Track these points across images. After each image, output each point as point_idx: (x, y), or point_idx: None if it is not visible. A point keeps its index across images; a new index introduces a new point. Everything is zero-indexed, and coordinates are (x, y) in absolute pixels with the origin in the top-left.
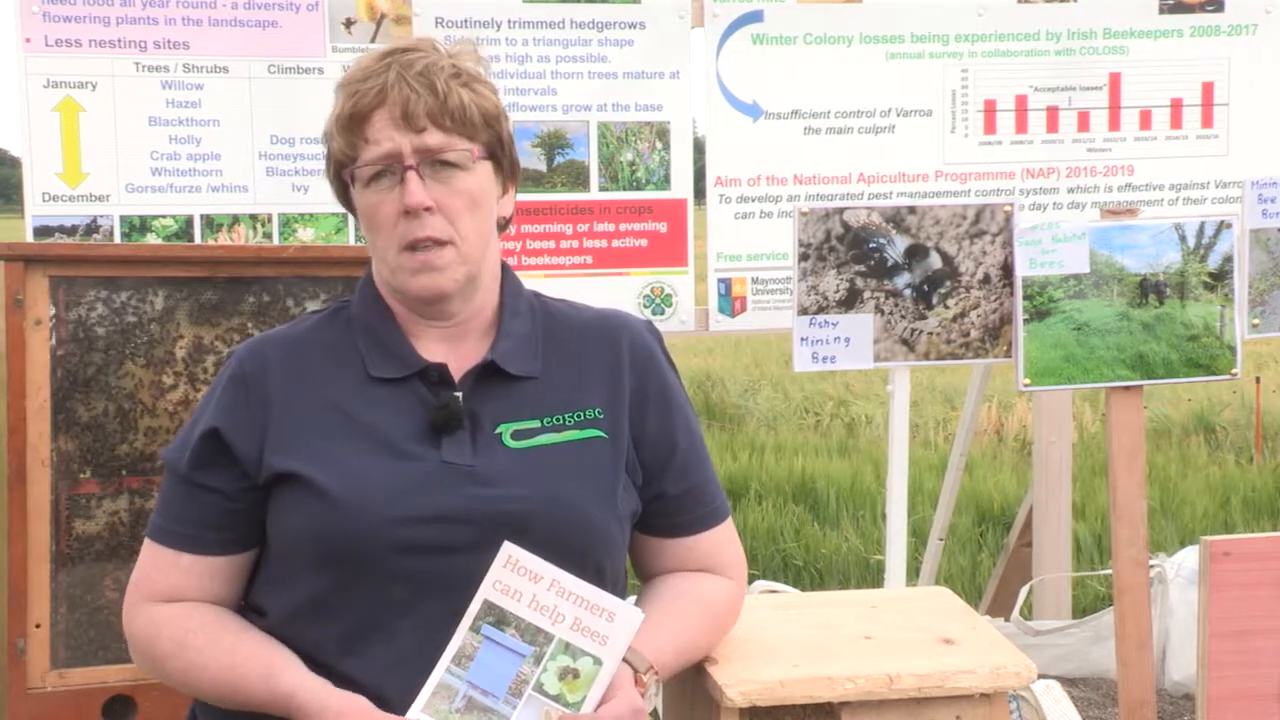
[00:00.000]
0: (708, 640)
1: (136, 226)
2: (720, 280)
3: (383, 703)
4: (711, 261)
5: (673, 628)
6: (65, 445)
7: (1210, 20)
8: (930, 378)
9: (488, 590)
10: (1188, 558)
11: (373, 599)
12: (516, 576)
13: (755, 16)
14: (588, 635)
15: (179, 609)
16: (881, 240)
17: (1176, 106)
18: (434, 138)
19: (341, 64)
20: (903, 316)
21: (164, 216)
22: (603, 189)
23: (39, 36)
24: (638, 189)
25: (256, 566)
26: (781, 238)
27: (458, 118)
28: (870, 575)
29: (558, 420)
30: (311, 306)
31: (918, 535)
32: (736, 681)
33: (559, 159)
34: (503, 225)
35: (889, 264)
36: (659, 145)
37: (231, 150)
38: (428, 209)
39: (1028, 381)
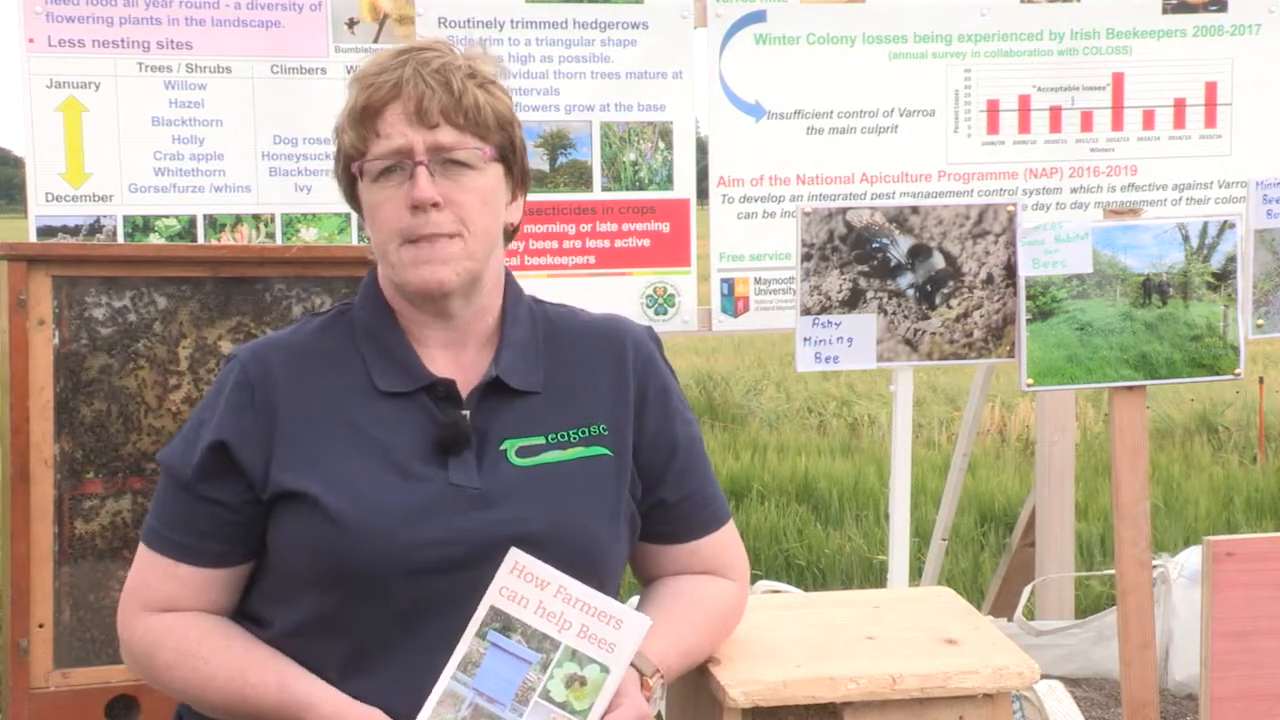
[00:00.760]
0: (711, 642)
1: (139, 226)
2: (723, 280)
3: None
4: (714, 261)
5: (677, 630)
6: (68, 445)
7: (1213, 20)
8: (933, 378)
9: (494, 596)
10: (1191, 558)
11: (377, 619)
12: (523, 583)
13: (758, 16)
14: (594, 643)
15: (180, 619)
16: (884, 240)
17: (1180, 106)
18: (446, 135)
19: (345, 64)
20: (906, 317)
21: (167, 216)
22: (605, 189)
23: (42, 36)
24: (640, 189)
25: (253, 575)
26: (784, 238)
27: (471, 116)
28: (873, 575)
29: (563, 437)
30: (318, 302)
31: (920, 535)
32: (739, 682)
33: (562, 159)
34: (510, 233)
35: (892, 264)
36: (662, 145)
37: (234, 150)
38: (435, 205)
39: (1030, 381)
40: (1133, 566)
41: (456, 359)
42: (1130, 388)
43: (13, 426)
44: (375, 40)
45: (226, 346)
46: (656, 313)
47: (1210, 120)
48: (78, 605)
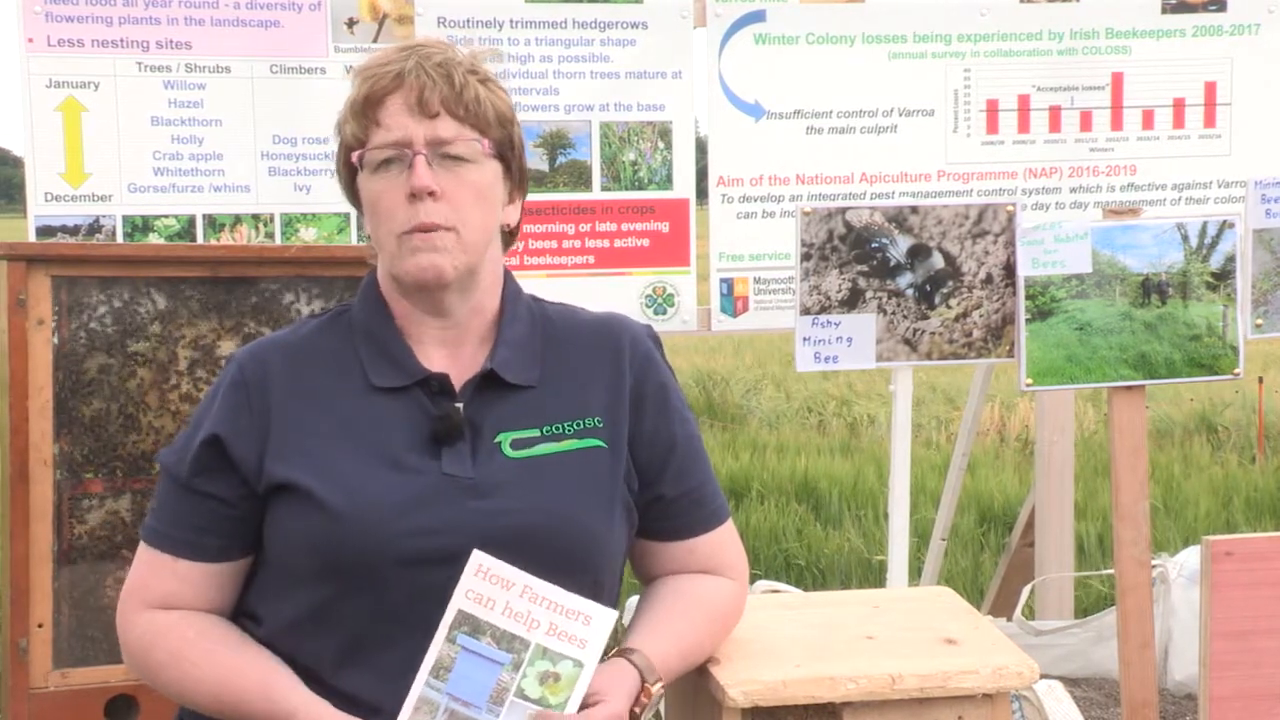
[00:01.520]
0: (711, 642)
1: (139, 226)
2: (722, 280)
3: (379, 714)
4: (714, 261)
5: (676, 631)
6: (67, 445)
7: (1213, 20)
8: (932, 377)
9: (460, 599)
10: (1190, 558)
11: (371, 611)
12: (488, 584)
13: (757, 16)
14: (565, 639)
15: (175, 618)
16: (884, 240)
17: (1179, 106)
18: (446, 127)
19: (344, 64)
20: (905, 316)
21: (166, 216)
22: (605, 189)
23: (41, 36)
24: (640, 189)
25: (251, 573)
26: (784, 237)
27: (471, 110)
28: (872, 575)
29: (557, 429)
30: (318, 305)
31: (920, 535)
32: (738, 682)
33: (561, 159)
34: (509, 235)
35: (891, 264)
36: (661, 145)
37: (234, 150)
38: (432, 195)
39: (1030, 381)
40: (1132, 566)
41: (453, 355)
42: (1129, 387)
43: (12, 426)
44: (375, 40)
45: (226, 346)
46: (656, 312)
47: (1209, 120)
48: (77, 605)
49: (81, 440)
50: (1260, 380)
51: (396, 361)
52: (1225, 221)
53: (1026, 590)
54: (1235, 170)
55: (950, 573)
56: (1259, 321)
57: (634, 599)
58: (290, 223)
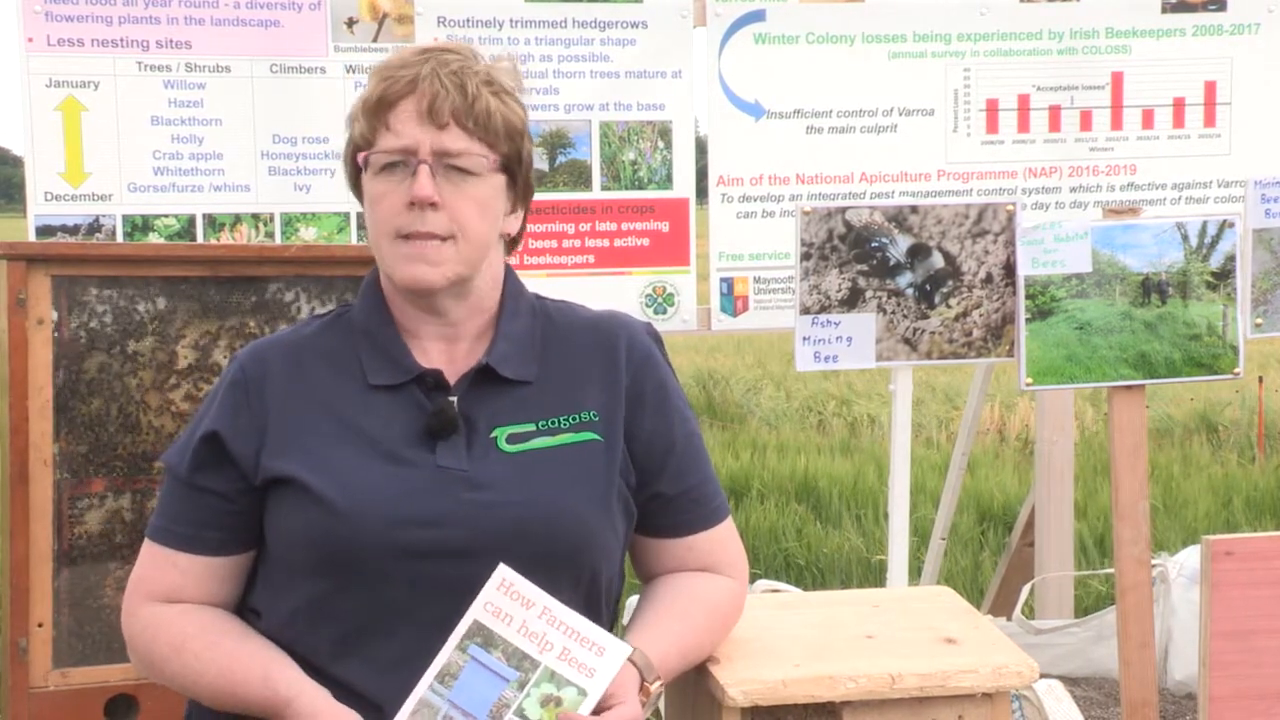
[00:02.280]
0: (711, 641)
1: (139, 226)
2: (722, 279)
3: (376, 708)
4: (713, 261)
5: (676, 630)
6: (67, 445)
7: (1213, 20)
8: (932, 377)
9: (478, 611)
10: (1190, 557)
11: (368, 603)
12: (509, 600)
13: (757, 16)
14: (574, 666)
15: (177, 611)
16: (884, 240)
17: (1179, 106)
18: (454, 139)
19: (344, 64)
20: (905, 316)
21: (166, 216)
22: (605, 188)
23: (41, 36)
24: (640, 188)
25: (254, 568)
26: (784, 237)
27: (481, 122)
28: (872, 575)
29: (552, 423)
30: (316, 305)
31: (920, 535)
32: (738, 681)
33: (561, 158)
34: (511, 244)
35: (891, 263)
36: (661, 144)
37: (233, 149)
38: (433, 205)
39: (1030, 381)
40: (1132, 566)
41: (450, 352)
42: (1129, 387)
43: (12, 426)
44: (374, 40)
45: (225, 345)
46: (656, 312)
47: (1209, 119)
48: (76, 605)
49: (81, 440)
50: (1260, 380)
51: (393, 360)
52: (1225, 221)
53: (1026, 589)
54: (1235, 170)
55: (950, 572)
56: (1259, 321)
57: (634, 599)
58: (290, 222)
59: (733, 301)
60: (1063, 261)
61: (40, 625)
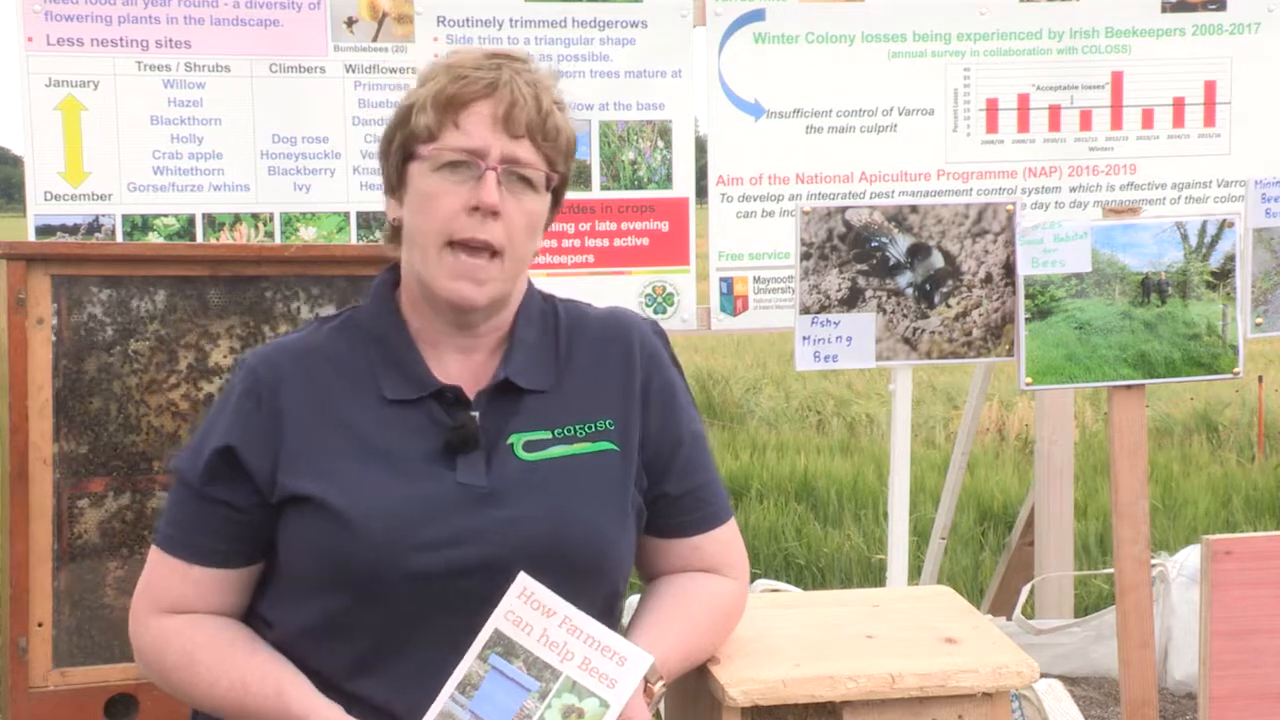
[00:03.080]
0: (712, 641)
1: (138, 225)
2: (722, 279)
3: None
4: (713, 260)
5: (679, 630)
6: (67, 444)
7: (1212, 19)
8: (932, 377)
9: (499, 620)
10: (1190, 557)
11: (386, 620)
12: (530, 609)
13: (757, 15)
14: (596, 676)
15: (188, 621)
16: (883, 239)
17: (1179, 105)
18: (525, 150)
19: (343, 63)
20: (905, 315)
21: (166, 215)
22: (604, 188)
23: (41, 35)
24: (639, 188)
25: (263, 578)
26: (783, 237)
27: (551, 138)
28: (872, 574)
29: (569, 432)
30: (314, 305)
31: (920, 534)
32: (738, 681)
33: None
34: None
35: (891, 263)
36: (661, 144)
37: (233, 149)
38: (495, 213)
39: (1029, 380)
40: (1131, 565)
41: (468, 363)
42: (1129, 386)
43: (12, 426)
44: (374, 39)
45: (225, 345)
46: (655, 311)
47: (1209, 119)
48: (76, 604)
49: (81, 439)
50: (1260, 379)
51: (409, 373)
52: (1225, 220)
53: (1026, 589)
54: (1235, 169)
55: (950, 572)
56: (1259, 320)
57: (634, 598)
58: (290, 222)
59: (732, 301)
60: (1062, 261)
61: (40, 625)
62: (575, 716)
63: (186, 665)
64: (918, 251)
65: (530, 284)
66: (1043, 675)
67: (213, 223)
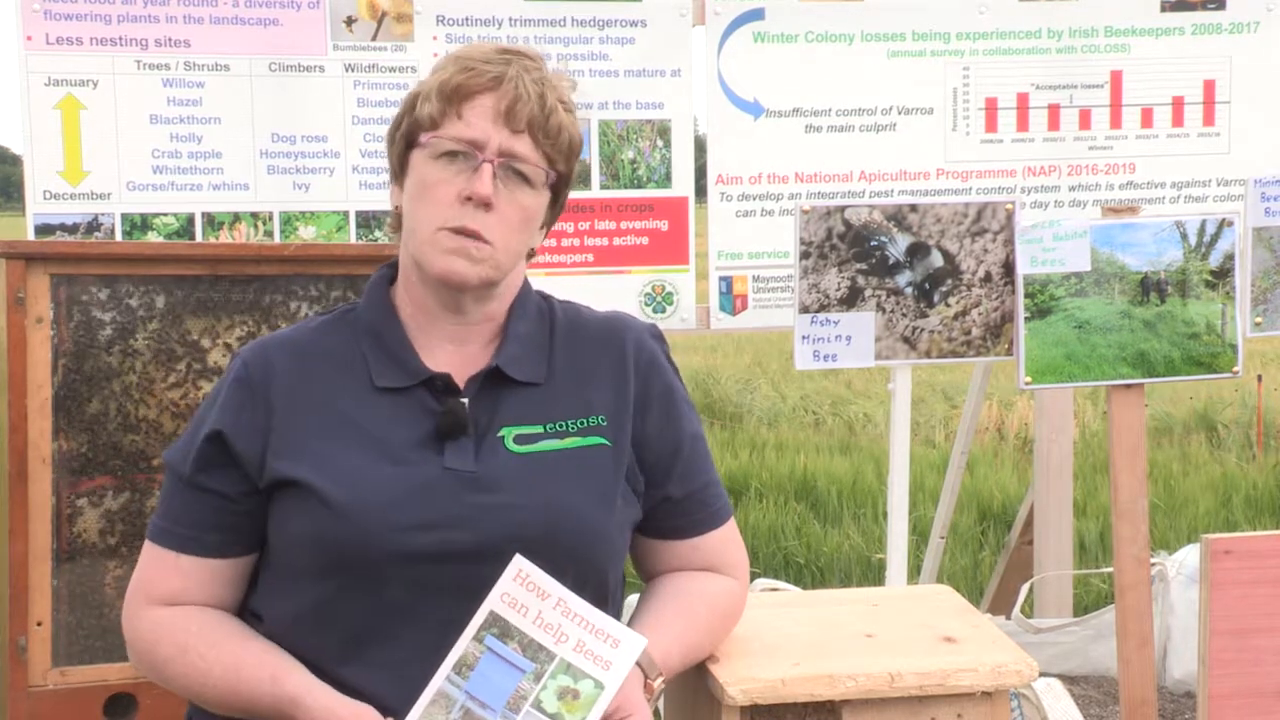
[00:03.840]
0: (712, 640)
1: (138, 224)
2: (721, 278)
3: (384, 709)
4: (712, 259)
5: (679, 628)
6: (66, 443)
7: (1212, 18)
8: (931, 376)
9: (494, 601)
10: (1189, 556)
11: (374, 605)
12: (525, 591)
13: (756, 14)
14: (590, 658)
15: (180, 613)
16: (883, 238)
17: (1178, 104)
18: (524, 146)
19: (343, 62)
20: (904, 315)
21: (165, 214)
22: (604, 187)
23: (40, 35)
24: (639, 187)
25: (255, 571)
26: (783, 236)
27: (552, 137)
28: (871, 573)
29: (560, 426)
30: (313, 304)
31: (919, 533)
32: (738, 680)
33: None
34: (529, 255)
35: (890, 262)
36: (660, 143)
37: (232, 148)
38: (487, 206)
39: (1029, 379)
40: (1131, 564)
41: (460, 352)
42: (1128, 385)
43: (11, 425)
44: (373, 38)
45: (224, 344)
46: (655, 311)
47: (1209, 118)
48: (76, 604)
49: (80, 438)
50: (1259, 378)
51: (400, 361)
52: (1224, 220)
53: (1025, 588)
54: (1234, 168)
55: (949, 571)
56: (1258, 320)
57: (633, 597)
58: (289, 221)
59: (732, 300)
60: (1062, 260)
61: (39, 624)
62: (570, 698)
63: (179, 655)
64: (917, 250)
65: (527, 281)
66: (1042, 674)
67: (212, 222)
